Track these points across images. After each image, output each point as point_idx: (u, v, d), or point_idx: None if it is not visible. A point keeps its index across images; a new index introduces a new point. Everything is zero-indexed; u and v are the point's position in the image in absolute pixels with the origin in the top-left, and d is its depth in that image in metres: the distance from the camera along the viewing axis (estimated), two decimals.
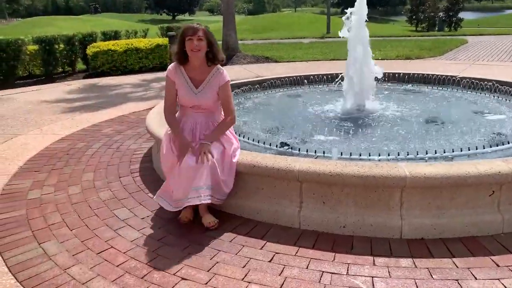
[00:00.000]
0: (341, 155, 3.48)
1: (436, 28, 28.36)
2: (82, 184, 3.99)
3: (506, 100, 5.16)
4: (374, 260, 2.60)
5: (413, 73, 6.30)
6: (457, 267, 2.51)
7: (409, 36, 21.97)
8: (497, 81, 5.49)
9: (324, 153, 3.52)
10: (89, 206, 3.53)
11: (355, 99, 4.82)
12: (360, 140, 3.97)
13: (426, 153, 3.45)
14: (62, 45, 11.21)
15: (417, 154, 3.43)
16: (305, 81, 6.40)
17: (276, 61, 12.90)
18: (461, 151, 3.48)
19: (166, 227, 3.13)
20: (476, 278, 2.39)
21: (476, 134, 4.01)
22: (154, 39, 12.37)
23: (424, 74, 6.29)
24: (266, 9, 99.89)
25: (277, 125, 4.59)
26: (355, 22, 4.69)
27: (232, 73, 10.64)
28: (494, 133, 3.96)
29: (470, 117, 4.58)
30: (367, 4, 4.66)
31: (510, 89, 5.33)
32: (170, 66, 3.18)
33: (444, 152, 3.46)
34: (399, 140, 3.92)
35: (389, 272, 2.48)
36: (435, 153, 3.44)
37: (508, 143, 3.62)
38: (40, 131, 5.85)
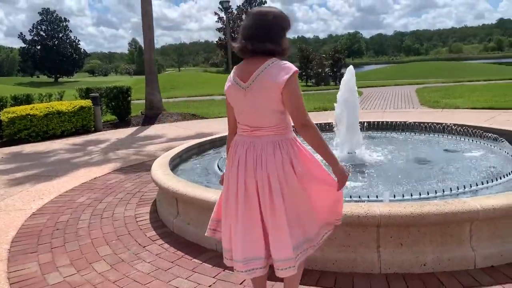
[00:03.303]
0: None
1: (323, 83, 31.16)
2: (106, 259, 3.55)
3: (463, 139, 5.87)
4: None
5: (369, 121, 6.89)
6: None
7: (306, 91, 23.75)
8: (441, 123, 6.30)
9: (368, 197, 3.65)
10: (135, 281, 3.16)
11: (348, 147, 5.12)
12: (377, 183, 4.20)
13: (458, 189, 3.79)
14: None
15: (443, 191, 3.76)
16: None
17: (203, 118, 12.97)
18: (479, 184, 3.91)
19: None
20: None
21: (469, 170, 4.52)
22: (77, 101, 11.63)
23: (380, 121, 6.93)
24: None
25: None
26: (347, 80, 5.12)
27: (173, 132, 10.43)
28: (489, 167, 4.51)
29: (451, 156, 5.15)
30: None
31: (453, 128, 6.08)
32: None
33: (464, 188, 3.85)
34: (412, 180, 4.24)
35: None
36: (464, 188, 3.81)
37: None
38: None
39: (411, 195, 3.68)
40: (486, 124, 6.94)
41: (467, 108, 11.74)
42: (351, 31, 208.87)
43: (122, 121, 12.72)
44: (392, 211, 2.99)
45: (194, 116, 13.17)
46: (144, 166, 6.91)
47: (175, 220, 4.05)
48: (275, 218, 2.21)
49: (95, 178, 6.29)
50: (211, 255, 3.50)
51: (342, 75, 29.73)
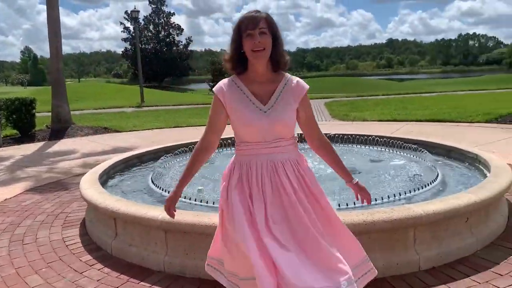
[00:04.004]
0: None
1: None
2: None
3: (383, 149, 6.28)
4: None
5: None
6: (479, 283, 3.03)
7: None
8: (361, 135, 6.72)
9: None
10: None
11: None
12: None
13: (394, 196, 4.02)
14: None
15: (382, 199, 3.97)
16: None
17: (117, 131, 12.34)
18: (408, 193, 4.19)
19: None
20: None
21: (397, 177, 4.83)
22: None
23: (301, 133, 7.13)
24: (47, 80, 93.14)
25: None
26: None
27: (87, 146, 9.75)
28: (415, 175, 4.85)
29: (378, 165, 5.46)
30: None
31: (374, 139, 6.50)
32: (221, 82, 2.22)
33: (400, 195, 4.11)
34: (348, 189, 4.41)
35: None
36: (400, 195, 4.05)
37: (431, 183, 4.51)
38: None
39: (354, 204, 3.82)
40: (400, 134, 7.52)
41: (374, 121, 12.61)
42: None
43: (26, 135, 11.62)
44: (345, 220, 3.06)
45: (106, 130, 12.48)
46: (61, 184, 6.38)
47: (114, 241, 3.75)
48: None
49: (5, 200, 5.65)
50: (160, 276, 3.31)
51: None
